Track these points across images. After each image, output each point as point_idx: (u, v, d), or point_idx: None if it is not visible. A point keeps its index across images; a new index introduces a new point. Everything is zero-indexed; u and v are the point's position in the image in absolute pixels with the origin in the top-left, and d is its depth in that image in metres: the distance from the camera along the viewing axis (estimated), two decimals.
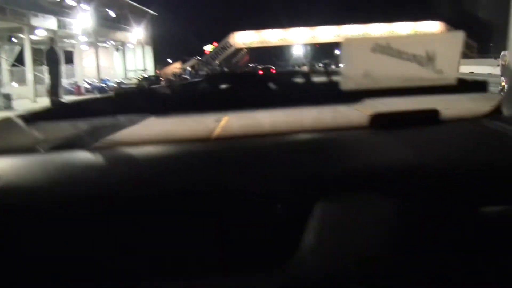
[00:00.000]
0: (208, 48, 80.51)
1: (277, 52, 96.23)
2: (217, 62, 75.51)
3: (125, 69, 60.15)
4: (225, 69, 68.98)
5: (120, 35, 59.17)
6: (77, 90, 44.19)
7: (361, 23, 71.79)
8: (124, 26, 61.15)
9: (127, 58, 62.33)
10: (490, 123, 1.86)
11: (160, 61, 75.13)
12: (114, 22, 57.61)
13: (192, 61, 73.01)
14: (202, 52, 79.71)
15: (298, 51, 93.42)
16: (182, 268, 1.37)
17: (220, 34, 79.04)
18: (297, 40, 77.23)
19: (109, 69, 56.45)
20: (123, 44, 60.40)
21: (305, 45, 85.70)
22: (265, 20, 79.42)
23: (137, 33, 63.91)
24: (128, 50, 63.42)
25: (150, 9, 69.96)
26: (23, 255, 1.33)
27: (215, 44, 79.29)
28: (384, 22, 71.35)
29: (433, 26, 67.20)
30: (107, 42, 57.19)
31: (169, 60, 75.93)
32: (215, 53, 77.79)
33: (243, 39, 77.00)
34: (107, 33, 55.52)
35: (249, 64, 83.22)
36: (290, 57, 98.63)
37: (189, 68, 52.85)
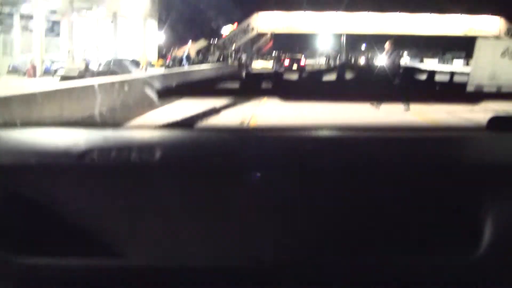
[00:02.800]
0: (227, 30, 67.65)
1: (304, 39, 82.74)
2: (233, 47, 62.62)
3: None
4: (242, 58, 56.86)
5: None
6: (30, 71, 31.36)
7: (408, 12, 62.38)
8: None
9: (121, 34, 52.96)
10: None
11: (167, 41, 62.95)
12: None
13: (200, 44, 60.27)
14: (218, 35, 66.66)
15: (328, 41, 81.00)
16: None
17: (243, 12, 65.25)
18: (331, 27, 65.40)
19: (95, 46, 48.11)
20: (114, 15, 50.89)
21: (338, 35, 74.31)
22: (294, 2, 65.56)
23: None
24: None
25: None
26: None
27: (235, 26, 66.19)
28: (434, 12, 62.10)
29: (492, 22, 60.72)
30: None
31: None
32: (233, 35, 64.87)
33: (268, 21, 65.30)
34: None
35: (280, 53, 70.01)
36: (319, 46, 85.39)
37: (189, 52, 39.26)
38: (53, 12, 43.99)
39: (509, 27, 60.19)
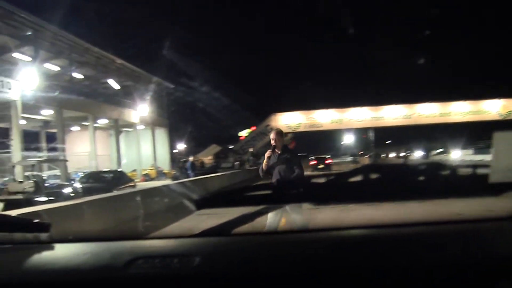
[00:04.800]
0: (244, 133, 62.87)
1: (326, 138, 78.21)
2: (251, 150, 57.44)
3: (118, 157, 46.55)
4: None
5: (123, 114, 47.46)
6: None
7: (434, 101, 59.25)
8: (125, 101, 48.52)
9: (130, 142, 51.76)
10: None
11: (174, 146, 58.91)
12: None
13: (212, 150, 55.33)
14: (235, 138, 61.87)
15: (351, 137, 77.46)
16: None
17: (259, 116, 61.00)
18: (356, 122, 61.60)
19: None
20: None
21: (360, 129, 69.43)
22: (314, 100, 61.53)
23: (142, 112, 49.31)
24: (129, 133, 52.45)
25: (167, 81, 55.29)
26: None
27: (253, 128, 61.39)
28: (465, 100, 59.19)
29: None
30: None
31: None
32: (250, 139, 60.00)
33: (288, 121, 62.07)
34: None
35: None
36: (342, 143, 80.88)
37: (193, 160, 33.65)
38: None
39: None
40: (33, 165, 26.97)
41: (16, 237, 1.97)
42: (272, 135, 8.00)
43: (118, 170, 30.24)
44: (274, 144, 7.87)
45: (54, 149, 39.17)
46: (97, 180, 24.57)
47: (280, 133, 8.10)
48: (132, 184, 25.69)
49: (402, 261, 1.53)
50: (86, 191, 20.75)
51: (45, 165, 39.91)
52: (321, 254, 1.56)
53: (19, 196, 19.40)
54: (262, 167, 7.97)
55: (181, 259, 1.54)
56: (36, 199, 18.32)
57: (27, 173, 28.94)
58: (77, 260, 1.62)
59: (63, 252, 1.75)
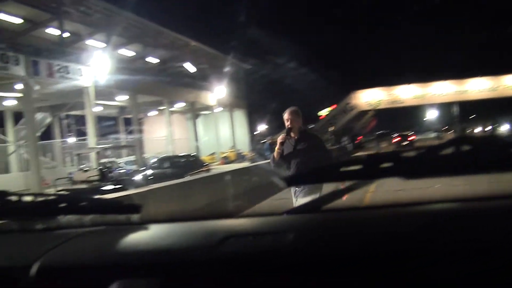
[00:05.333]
0: (324, 112, 61.61)
1: (408, 114, 76.04)
2: (331, 129, 56.19)
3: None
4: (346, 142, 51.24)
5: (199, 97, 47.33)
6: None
7: None
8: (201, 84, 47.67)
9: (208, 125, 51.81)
10: None
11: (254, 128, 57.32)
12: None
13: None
14: (315, 118, 60.65)
15: (434, 112, 74.08)
16: None
17: (339, 95, 59.58)
18: (439, 96, 59.11)
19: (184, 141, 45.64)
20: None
21: (444, 104, 66.40)
22: (396, 76, 59.54)
23: (219, 94, 48.58)
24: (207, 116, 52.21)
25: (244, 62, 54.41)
26: None
27: (334, 107, 60.12)
28: None
29: None
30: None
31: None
32: (331, 117, 58.62)
33: (369, 98, 60.26)
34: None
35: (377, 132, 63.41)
36: (425, 119, 78.35)
37: (271, 142, 32.62)
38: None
39: None
40: (97, 153, 26.65)
41: (108, 219, 2.00)
42: (286, 115, 6.36)
43: (191, 154, 29.60)
44: (289, 126, 6.28)
45: (131, 134, 39.21)
46: (169, 165, 23.97)
47: (295, 113, 6.43)
48: (206, 168, 24.87)
49: (499, 236, 1.37)
50: (157, 178, 19.88)
51: (123, 151, 40.06)
52: (416, 229, 1.47)
53: (83, 186, 18.92)
54: (273, 156, 6.45)
55: (273, 237, 1.49)
56: (102, 188, 17.59)
57: (104, 160, 28.86)
58: (169, 240, 1.62)
59: (154, 233, 1.75)
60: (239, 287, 1.36)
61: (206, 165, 26.16)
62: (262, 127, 59.32)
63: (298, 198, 6.01)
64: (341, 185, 1.75)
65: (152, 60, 43.56)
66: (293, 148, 6.26)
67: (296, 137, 6.28)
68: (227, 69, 48.15)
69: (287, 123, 6.29)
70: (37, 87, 26.33)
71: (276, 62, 60.35)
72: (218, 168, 29.30)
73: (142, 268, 1.45)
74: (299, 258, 1.37)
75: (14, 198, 1.91)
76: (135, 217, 1.92)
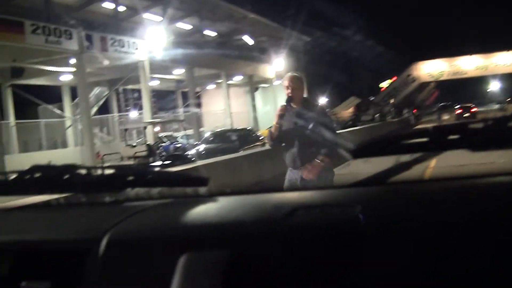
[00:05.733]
0: (385, 84, 60.43)
1: (470, 86, 74.07)
2: (392, 101, 55.06)
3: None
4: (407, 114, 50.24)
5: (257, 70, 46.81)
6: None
7: None
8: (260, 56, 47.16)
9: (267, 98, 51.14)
10: None
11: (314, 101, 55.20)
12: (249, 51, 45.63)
13: (350, 103, 53.27)
14: (375, 90, 59.52)
15: (497, 84, 70.39)
16: None
17: (400, 66, 58.27)
18: (503, 67, 57.64)
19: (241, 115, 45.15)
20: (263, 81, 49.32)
21: (507, 75, 64.65)
22: (458, 46, 57.77)
23: (278, 67, 46.92)
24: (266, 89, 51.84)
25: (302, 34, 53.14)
26: None
27: (394, 79, 58.93)
28: None
29: None
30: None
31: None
32: (392, 89, 57.45)
33: (430, 69, 57.05)
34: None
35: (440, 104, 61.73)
36: (488, 90, 76.14)
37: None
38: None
39: None
40: (144, 128, 26.38)
41: (176, 192, 2.02)
42: (285, 81, 5.41)
43: (247, 128, 28.82)
44: (289, 94, 5.36)
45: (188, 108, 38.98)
46: (222, 140, 23.31)
47: (297, 79, 5.52)
48: (261, 143, 24.30)
49: None
50: (209, 153, 19.35)
51: (182, 125, 39.95)
52: (481, 200, 1.45)
53: (130, 162, 18.59)
54: (270, 132, 5.61)
55: (341, 209, 1.50)
56: (150, 164, 17.23)
57: (162, 135, 28.68)
58: (236, 212, 1.64)
59: (222, 205, 1.78)
60: (309, 259, 1.33)
61: (261, 139, 25.63)
62: (321, 100, 58.52)
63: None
64: (404, 157, 1.71)
65: (210, 33, 43.00)
66: (295, 122, 5.37)
67: (297, 109, 5.39)
68: (286, 41, 47.02)
69: (287, 91, 5.37)
70: (90, 61, 26.29)
71: (335, 33, 59.23)
72: None
73: (211, 240, 1.44)
74: (368, 230, 1.35)
75: (82, 171, 1.91)
76: (202, 189, 1.91)
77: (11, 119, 30.37)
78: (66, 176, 1.87)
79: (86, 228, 1.61)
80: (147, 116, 29.38)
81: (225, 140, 23.30)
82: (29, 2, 26.38)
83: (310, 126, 5.27)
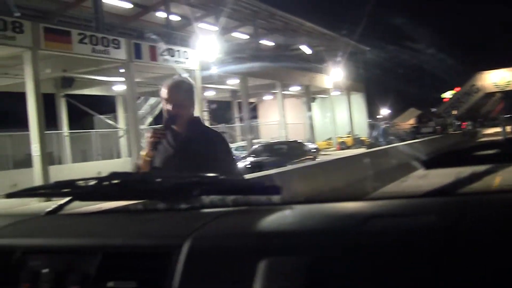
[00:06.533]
0: (448, 95, 58.81)
1: None
2: (454, 113, 53.37)
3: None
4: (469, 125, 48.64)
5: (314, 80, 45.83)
6: None
7: None
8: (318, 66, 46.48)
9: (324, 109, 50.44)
10: None
11: (372, 113, 54.28)
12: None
13: (410, 114, 51.82)
14: (436, 101, 58.02)
15: None
16: None
17: (463, 76, 56.75)
18: None
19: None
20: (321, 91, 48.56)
21: None
22: None
23: (335, 77, 46.75)
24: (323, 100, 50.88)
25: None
26: None
27: (457, 89, 57.28)
28: None
29: None
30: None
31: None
32: (454, 101, 55.81)
33: (496, 79, 55.47)
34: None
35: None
36: None
37: (385, 127, 30.73)
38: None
39: None
40: None
41: (250, 200, 2.02)
42: (164, 91, 3.51)
43: (296, 141, 27.46)
44: (171, 112, 3.51)
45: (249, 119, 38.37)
46: (270, 153, 22.23)
47: (183, 88, 3.66)
48: (312, 156, 23.18)
49: None
50: (255, 167, 18.35)
51: (238, 136, 39.30)
52: None
53: None
54: (137, 167, 3.59)
55: (414, 218, 1.50)
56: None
57: None
58: (310, 221, 1.65)
59: (295, 214, 1.78)
60: (383, 267, 1.32)
61: (313, 152, 24.53)
62: (381, 112, 57.12)
63: None
64: (476, 168, 1.70)
65: (266, 42, 42.36)
66: (176, 148, 3.54)
67: (182, 133, 3.58)
68: (344, 50, 46.15)
69: (166, 106, 3.54)
70: (142, 71, 26.01)
71: (396, 42, 57.91)
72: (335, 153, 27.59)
73: (287, 248, 1.44)
74: (442, 240, 1.34)
75: (158, 178, 2.05)
76: (276, 198, 1.90)
77: (65, 129, 30.27)
78: (143, 183, 2.00)
79: (167, 233, 1.64)
80: None
81: (273, 152, 22.33)
82: (83, 12, 26.60)
83: (201, 159, 3.38)
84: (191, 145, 3.50)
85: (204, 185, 1.95)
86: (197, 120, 3.79)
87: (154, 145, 3.49)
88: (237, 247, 1.48)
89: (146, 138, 3.55)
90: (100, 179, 1.94)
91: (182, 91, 3.63)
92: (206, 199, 2.00)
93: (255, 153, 23.18)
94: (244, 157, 22.29)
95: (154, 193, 1.98)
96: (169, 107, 3.51)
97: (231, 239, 1.55)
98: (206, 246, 1.51)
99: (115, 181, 1.93)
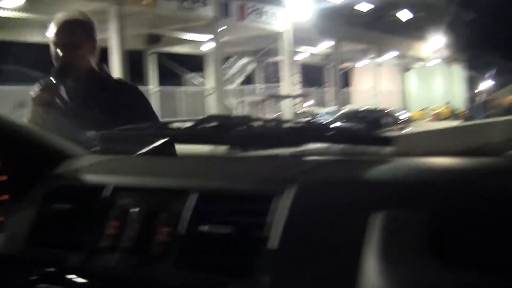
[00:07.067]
0: None
1: None
2: None
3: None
4: None
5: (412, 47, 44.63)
6: None
7: None
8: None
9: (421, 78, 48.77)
10: None
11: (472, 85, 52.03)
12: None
13: None
14: None
15: None
16: None
17: None
18: None
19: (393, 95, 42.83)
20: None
21: None
22: None
23: (435, 45, 45.22)
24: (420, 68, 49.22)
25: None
26: None
27: None
28: None
29: None
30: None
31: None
32: None
33: None
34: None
35: None
36: None
37: (485, 100, 29.22)
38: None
39: None
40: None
41: (358, 150, 1.97)
42: (54, 32, 2.58)
43: (383, 110, 26.26)
44: (62, 59, 2.56)
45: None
46: (354, 121, 21.39)
47: (79, 28, 2.68)
48: (400, 127, 22.15)
49: None
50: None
51: (328, 101, 38.55)
52: None
53: None
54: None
55: None
56: None
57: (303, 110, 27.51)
58: (426, 173, 1.51)
59: (411, 166, 1.63)
60: (502, 222, 1.21)
61: (401, 122, 23.45)
62: (483, 84, 54.47)
63: None
64: None
65: (363, 7, 41.04)
66: (67, 101, 2.60)
67: (77, 86, 2.65)
68: (446, 17, 44.01)
69: (56, 53, 2.60)
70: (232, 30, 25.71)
71: (504, 10, 54.76)
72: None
73: (404, 200, 1.33)
74: None
75: (258, 123, 1.98)
76: (387, 149, 1.82)
77: (153, 86, 30.47)
78: (242, 127, 1.90)
79: (268, 177, 1.54)
80: (285, 90, 28.21)
81: (358, 120, 21.52)
82: None
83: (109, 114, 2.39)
84: (94, 101, 2.58)
85: (309, 131, 1.91)
86: (97, 70, 2.81)
87: (41, 102, 2.60)
88: (347, 197, 1.34)
89: (31, 94, 2.60)
90: (197, 122, 1.88)
91: (76, 32, 2.68)
92: (311, 146, 1.88)
93: (339, 119, 22.43)
94: (329, 123, 21.63)
95: (253, 138, 1.87)
96: (59, 53, 2.60)
97: (341, 187, 1.40)
98: (313, 193, 1.38)
99: (213, 124, 1.87)
